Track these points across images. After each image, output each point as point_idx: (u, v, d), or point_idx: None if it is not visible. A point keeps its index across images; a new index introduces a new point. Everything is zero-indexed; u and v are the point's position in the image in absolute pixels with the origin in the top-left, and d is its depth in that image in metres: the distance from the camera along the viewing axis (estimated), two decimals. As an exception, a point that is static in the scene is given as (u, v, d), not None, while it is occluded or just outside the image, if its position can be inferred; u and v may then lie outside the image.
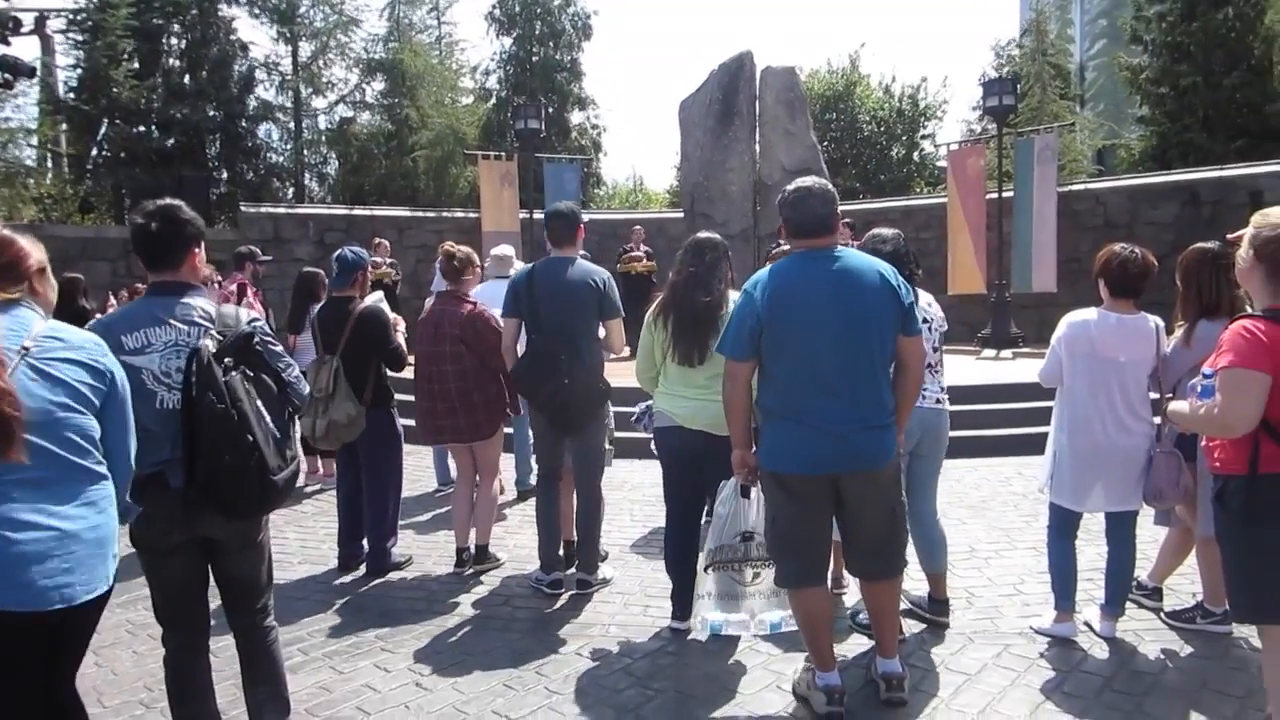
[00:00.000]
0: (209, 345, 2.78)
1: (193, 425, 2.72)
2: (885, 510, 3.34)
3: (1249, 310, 3.68)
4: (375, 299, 5.35)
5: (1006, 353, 12.30)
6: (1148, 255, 3.88)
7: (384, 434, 5.22)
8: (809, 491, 3.26)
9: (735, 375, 3.33)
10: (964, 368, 10.35)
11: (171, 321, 2.83)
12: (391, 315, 5.38)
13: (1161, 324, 3.91)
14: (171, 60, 19.43)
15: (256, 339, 2.91)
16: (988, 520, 5.97)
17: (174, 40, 19.58)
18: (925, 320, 3.87)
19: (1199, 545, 3.96)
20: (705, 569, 3.65)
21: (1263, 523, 2.61)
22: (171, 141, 18.54)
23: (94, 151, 18.50)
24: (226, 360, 2.78)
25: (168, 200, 2.96)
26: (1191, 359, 3.78)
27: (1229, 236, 2.95)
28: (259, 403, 2.84)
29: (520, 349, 4.77)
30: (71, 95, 18.16)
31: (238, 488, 2.78)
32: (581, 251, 5.01)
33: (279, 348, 3.09)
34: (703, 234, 4.24)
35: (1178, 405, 2.91)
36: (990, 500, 6.49)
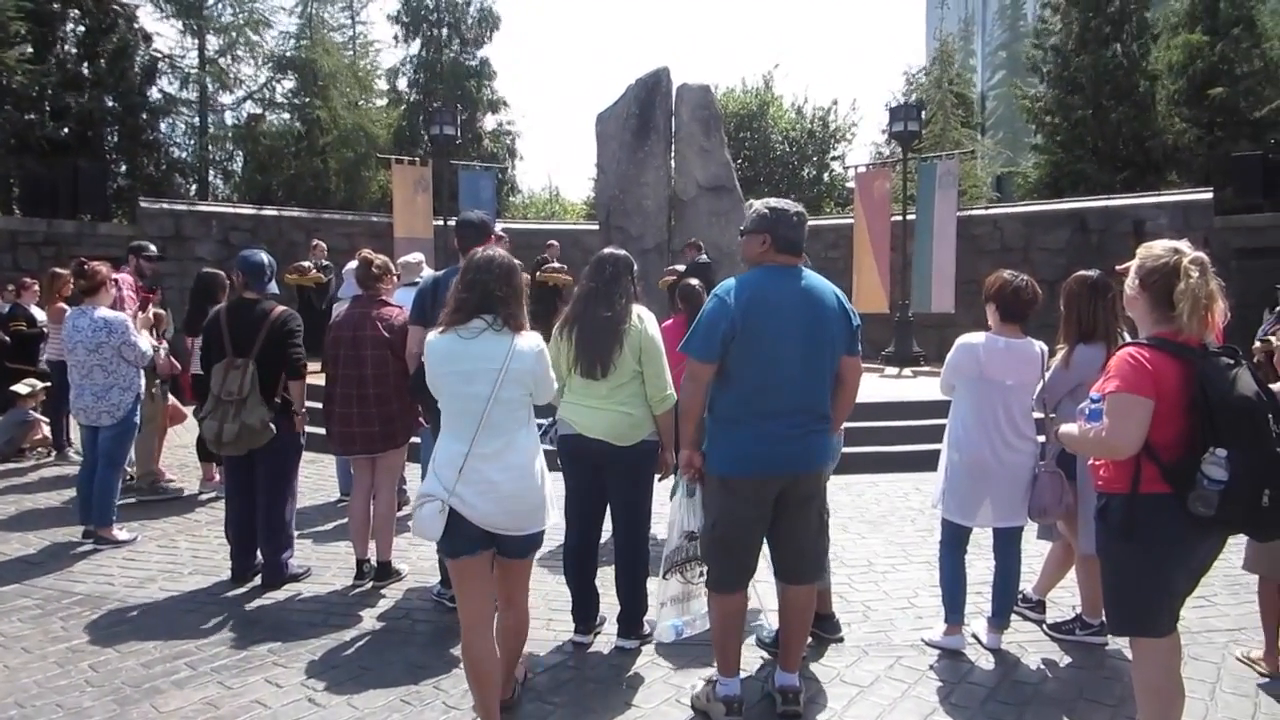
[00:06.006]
0: None
1: None
2: (816, 514, 3.53)
3: (1124, 336, 3.92)
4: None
5: (908, 371, 12.68)
6: (1034, 283, 4.07)
7: (288, 440, 5.09)
8: (757, 496, 3.37)
9: (699, 377, 3.40)
10: (867, 385, 10.58)
11: None
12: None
13: (1045, 348, 4.10)
14: (67, 46, 18.54)
15: None
16: (886, 535, 6.15)
17: (70, 26, 18.69)
18: None
19: (1079, 561, 4.16)
20: (665, 575, 3.69)
21: (1140, 540, 2.74)
22: (65, 130, 17.66)
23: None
24: None
25: None
26: (1071, 380, 4.00)
27: (1117, 268, 3.09)
28: None
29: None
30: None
31: None
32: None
33: None
34: (607, 250, 4.27)
35: (1068, 428, 3.02)
36: (889, 515, 6.68)
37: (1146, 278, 2.82)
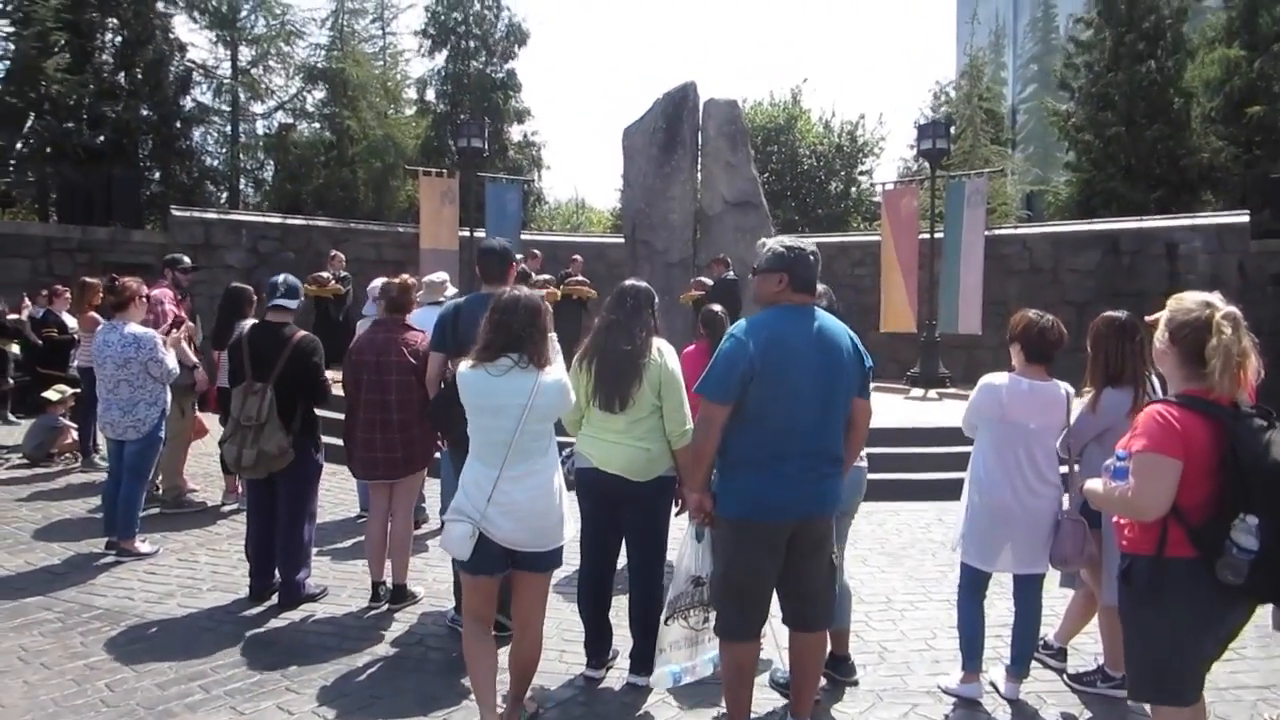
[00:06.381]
0: None
1: None
2: (826, 558, 3.50)
3: (1153, 380, 3.84)
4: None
5: (933, 393, 12.55)
6: (1060, 324, 3.99)
7: (308, 464, 5.12)
8: (771, 540, 3.33)
9: (714, 419, 3.34)
10: (892, 408, 10.52)
11: None
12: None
13: (1071, 391, 4.01)
14: (104, 57, 18.83)
15: None
16: (906, 569, 6.06)
17: (108, 36, 19.00)
18: None
19: (1102, 611, 4.07)
20: (666, 621, 3.65)
21: (1165, 605, 2.65)
22: (101, 139, 17.94)
23: (19, 145, 17.81)
24: None
25: None
26: (1097, 425, 3.92)
27: (1147, 319, 3.01)
28: None
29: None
30: (-2, 87, 17.54)
31: None
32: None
33: None
34: (629, 281, 4.23)
35: (1092, 484, 2.94)
36: (910, 548, 6.59)
37: (1177, 331, 2.73)
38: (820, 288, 4.15)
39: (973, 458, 4.10)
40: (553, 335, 3.80)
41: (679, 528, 4.08)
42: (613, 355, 3.99)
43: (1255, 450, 2.52)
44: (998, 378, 3.98)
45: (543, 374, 3.37)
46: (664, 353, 4.02)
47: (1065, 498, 3.97)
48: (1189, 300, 2.75)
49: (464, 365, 3.47)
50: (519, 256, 5.05)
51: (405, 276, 5.40)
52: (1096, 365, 3.98)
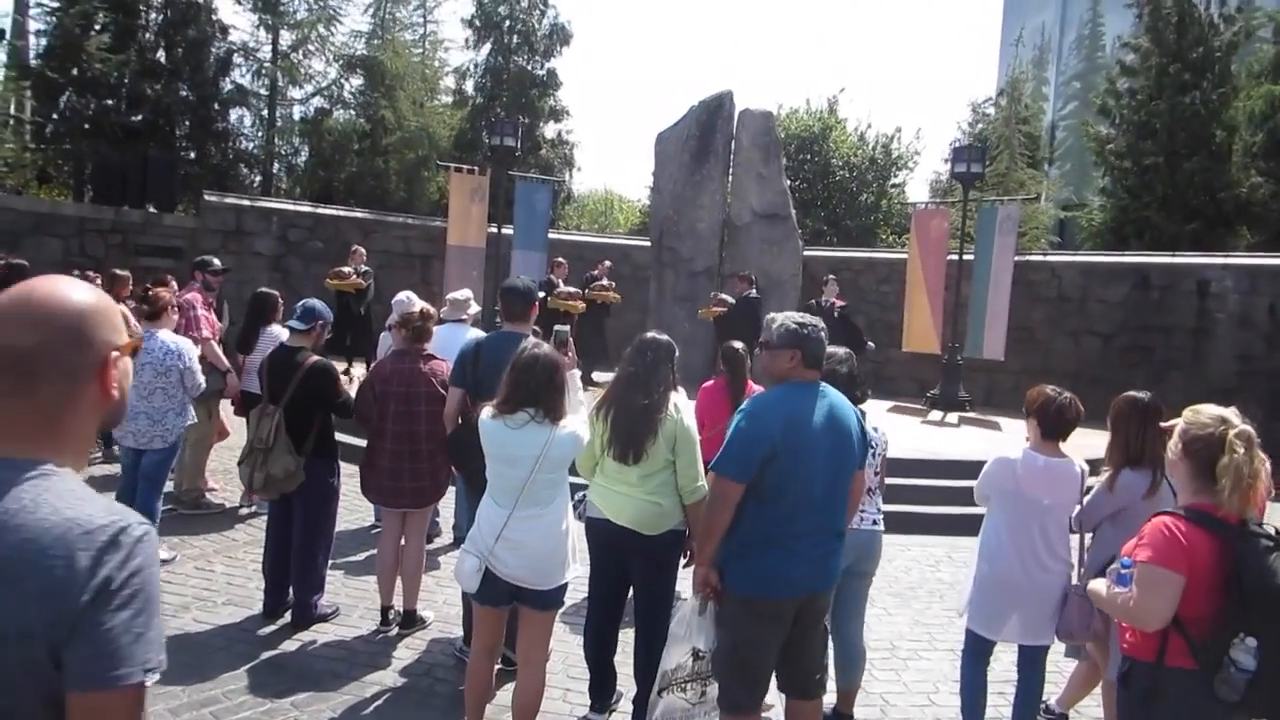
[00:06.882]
0: None
1: None
2: (822, 629, 3.61)
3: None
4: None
5: (953, 416, 12.50)
6: (1077, 401, 3.99)
7: (322, 487, 5.18)
8: (782, 616, 3.40)
9: (729, 497, 3.36)
10: (909, 431, 10.49)
11: None
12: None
13: (1086, 468, 4.01)
14: (147, 35, 19.00)
15: None
16: (913, 612, 6.07)
17: (152, 15, 19.17)
18: (871, 444, 3.98)
19: (1105, 686, 4.07)
20: (659, 692, 3.67)
21: (1162, 712, 2.67)
22: (139, 118, 18.13)
23: (54, 116, 17.98)
24: None
25: None
26: (1113, 505, 3.92)
27: (1163, 425, 3.02)
28: None
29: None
30: (39, 61, 17.74)
31: None
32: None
33: None
34: (650, 334, 4.24)
35: (1096, 585, 2.96)
36: (918, 588, 6.59)
37: (1190, 445, 2.74)
38: (842, 352, 4.19)
39: (984, 527, 4.12)
40: (575, 373, 3.95)
41: (684, 578, 4.12)
42: (629, 408, 4.01)
43: (1259, 571, 2.54)
44: (1012, 451, 3.99)
45: (558, 428, 3.59)
46: (680, 409, 4.04)
47: (1074, 573, 3.98)
48: (1205, 414, 2.77)
49: (485, 414, 3.71)
50: (532, 282, 5.11)
51: (425, 306, 5.47)
52: (1116, 445, 3.97)
